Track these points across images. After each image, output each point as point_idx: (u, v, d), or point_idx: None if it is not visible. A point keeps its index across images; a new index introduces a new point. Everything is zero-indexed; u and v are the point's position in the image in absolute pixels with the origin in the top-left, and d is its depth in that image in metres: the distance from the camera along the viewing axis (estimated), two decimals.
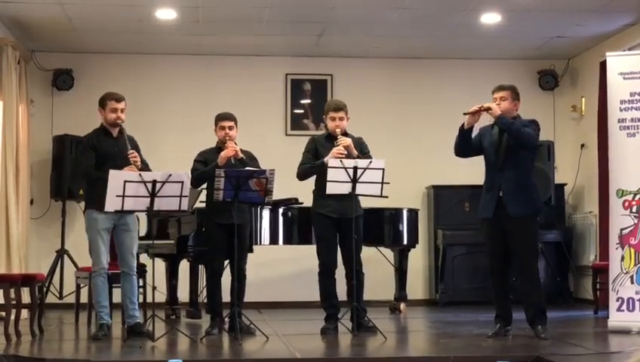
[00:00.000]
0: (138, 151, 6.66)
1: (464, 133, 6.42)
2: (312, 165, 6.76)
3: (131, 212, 6.41)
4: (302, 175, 6.88)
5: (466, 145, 6.50)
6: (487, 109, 6.32)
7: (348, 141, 6.67)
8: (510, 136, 6.29)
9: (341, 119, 6.78)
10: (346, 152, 6.60)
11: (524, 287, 6.37)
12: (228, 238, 6.64)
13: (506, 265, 6.44)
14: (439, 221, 9.90)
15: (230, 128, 6.81)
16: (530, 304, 6.33)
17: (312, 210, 6.91)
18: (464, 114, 6.39)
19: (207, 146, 6.96)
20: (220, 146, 6.82)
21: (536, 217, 6.47)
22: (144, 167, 6.58)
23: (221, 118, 6.88)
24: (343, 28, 9.04)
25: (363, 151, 6.80)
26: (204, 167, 6.72)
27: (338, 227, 6.74)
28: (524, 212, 6.29)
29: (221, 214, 6.63)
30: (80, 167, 6.77)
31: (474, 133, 6.52)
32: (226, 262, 6.91)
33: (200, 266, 7.86)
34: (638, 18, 8.63)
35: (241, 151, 6.72)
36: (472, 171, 9.74)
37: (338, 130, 6.71)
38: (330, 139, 6.80)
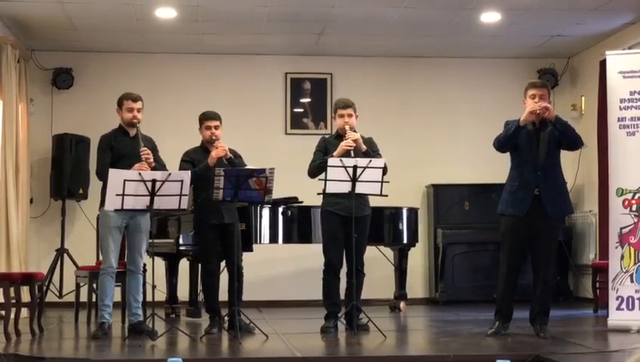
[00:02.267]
0: (156, 151, 6.68)
1: (519, 131, 6.31)
2: (322, 161, 6.76)
3: (144, 211, 6.39)
4: (312, 172, 6.89)
5: (512, 142, 6.36)
6: (545, 110, 6.26)
7: (356, 135, 6.68)
8: (566, 137, 6.30)
9: (349, 116, 6.80)
10: (354, 145, 6.62)
11: (537, 286, 6.36)
12: (221, 238, 6.66)
13: (522, 264, 6.45)
14: (439, 220, 9.90)
15: (216, 128, 6.78)
16: (538, 303, 6.34)
17: (321, 208, 6.91)
18: (537, 113, 6.24)
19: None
20: (206, 146, 6.81)
21: (566, 218, 6.52)
22: (159, 167, 6.57)
23: (206, 117, 6.84)
24: (342, 27, 9.03)
25: (373, 150, 6.82)
26: (191, 167, 6.67)
27: (346, 225, 6.73)
28: (561, 212, 6.36)
29: (212, 214, 6.64)
30: (97, 166, 6.74)
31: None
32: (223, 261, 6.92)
33: (200, 265, 7.85)
34: (638, 17, 8.63)
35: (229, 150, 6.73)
36: (472, 170, 9.82)
37: (347, 127, 6.73)
38: (340, 137, 6.81)
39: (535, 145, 6.32)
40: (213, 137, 6.73)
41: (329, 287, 6.80)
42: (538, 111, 6.26)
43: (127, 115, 6.67)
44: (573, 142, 6.38)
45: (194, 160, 6.77)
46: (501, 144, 6.41)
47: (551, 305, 6.41)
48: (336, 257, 6.76)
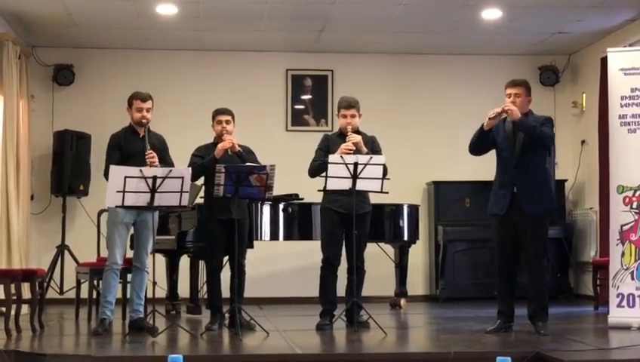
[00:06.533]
0: (165, 151, 6.70)
1: (484, 134, 6.37)
2: (322, 162, 6.75)
3: (154, 209, 6.35)
4: (312, 172, 6.89)
5: (483, 145, 6.47)
6: (508, 111, 6.28)
7: (357, 138, 6.67)
8: (532, 139, 6.26)
9: (352, 116, 6.79)
10: (354, 148, 6.61)
11: (530, 284, 6.36)
12: (227, 234, 6.65)
13: (514, 262, 6.42)
14: (440, 217, 9.90)
15: (227, 122, 6.83)
16: (533, 300, 6.34)
17: (321, 205, 6.91)
18: (490, 119, 6.28)
19: (208, 141, 6.97)
20: (218, 141, 6.83)
21: (549, 216, 6.47)
22: (166, 167, 6.54)
23: (218, 112, 6.90)
24: (343, 23, 9.03)
25: (374, 150, 6.80)
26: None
27: (345, 223, 6.73)
28: (539, 210, 6.29)
29: (220, 210, 6.64)
30: (105, 166, 6.73)
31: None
32: (226, 257, 6.92)
33: (200, 262, 7.86)
34: (639, 14, 8.62)
35: (239, 145, 6.74)
36: (473, 167, 9.78)
37: (349, 128, 6.72)
38: (342, 136, 6.81)
39: (512, 144, 6.35)
40: (224, 132, 6.75)
41: (325, 285, 6.80)
42: (492, 115, 6.27)
43: (137, 115, 6.66)
44: (540, 140, 6.27)
45: (205, 155, 6.80)
46: (471, 147, 6.52)
47: (548, 302, 6.40)
48: (334, 254, 6.76)
